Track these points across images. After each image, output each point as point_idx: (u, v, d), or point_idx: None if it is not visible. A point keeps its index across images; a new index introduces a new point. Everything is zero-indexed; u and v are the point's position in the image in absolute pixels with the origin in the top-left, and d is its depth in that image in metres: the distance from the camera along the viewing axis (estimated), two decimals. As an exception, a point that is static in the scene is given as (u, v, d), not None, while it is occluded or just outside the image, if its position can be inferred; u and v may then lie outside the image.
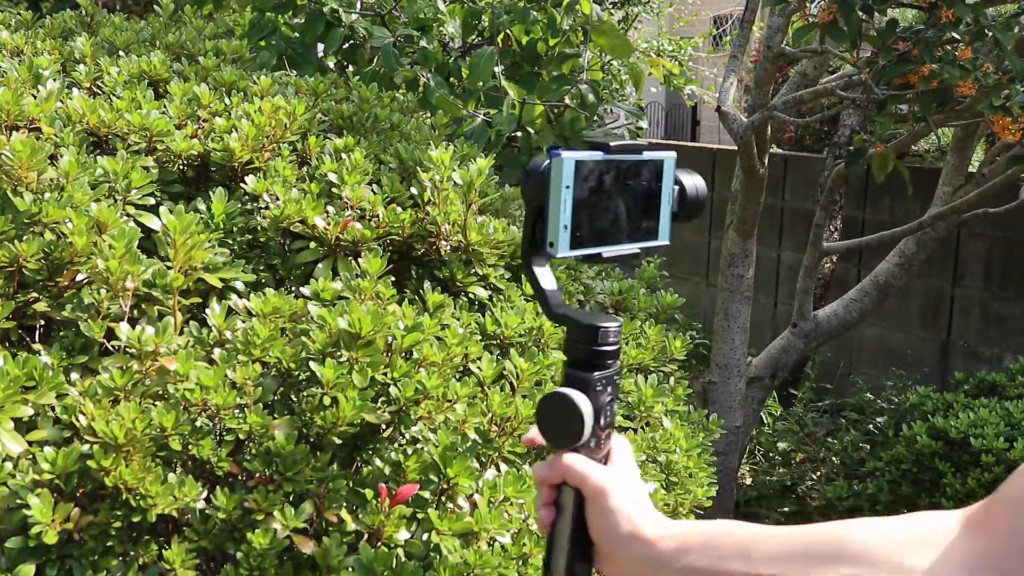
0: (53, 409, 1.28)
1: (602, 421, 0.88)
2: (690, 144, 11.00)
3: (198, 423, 1.29)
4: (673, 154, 0.94)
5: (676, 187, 0.95)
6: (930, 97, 2.83)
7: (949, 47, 2.87)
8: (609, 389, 0.89)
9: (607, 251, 0.89)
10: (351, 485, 1.36)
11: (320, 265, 1.63)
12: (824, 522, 0.80)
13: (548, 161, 0.85)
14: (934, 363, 5.62)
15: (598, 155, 0.87)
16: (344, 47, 3.33)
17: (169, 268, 1.43)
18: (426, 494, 1.38)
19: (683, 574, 0.82)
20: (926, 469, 3.51)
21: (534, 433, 0.91)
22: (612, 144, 0.88)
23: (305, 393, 1.36)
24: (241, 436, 1.29)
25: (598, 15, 3.33)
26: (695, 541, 0.83)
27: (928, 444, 3.51)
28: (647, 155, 0.91)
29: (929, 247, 4.25)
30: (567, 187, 0.84)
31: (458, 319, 1.60)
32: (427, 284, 1.65)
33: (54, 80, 1.79)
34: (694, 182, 0.96)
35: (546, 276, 0.91)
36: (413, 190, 1.78)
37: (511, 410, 1.48)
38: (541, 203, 0.86)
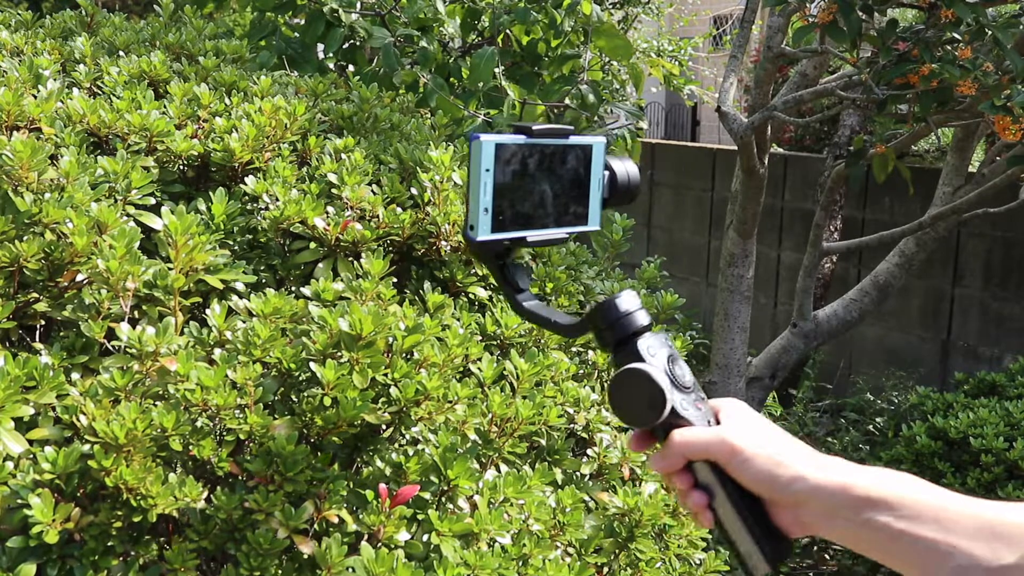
0: (54, 409, 1.28)
1: (675, 379, 0.84)
2: (690, 144, 11.01)
3: (199, 423, 1.29)
4: (603, 139, 0.93)
5: (606, 172, 0.93)
6: (930, 97, 2.83)
7: (949, 47, 2.87)
8: (662, 350, 0.85)
9: (532, 235, 0.89)
10: (351, 486, 1.36)
11: (320, 266, 1.63)
12: (1012, 501, 0.76)
13: (470, 142, 0.85)
14: (934, 363, 5.62)
15: (520, 138, 0.86)
16: (344, 47, 3.33)
17: (170, 269, 1.43)
18: (426, 495, 1.38)
19: (864, 528, 0.77)
20: (926, 469, 3.51)
21: (634, 436, 0.85)
22: (535, 128, 0.87)
23: (306, 394, 1.36)
24: (242, 436, 1.30)
25: (599, 16, 3.33)
26: (882, 495, 0.77)
27: (928, 444, 3.51)
28: (574, 139, 0.90)
29: (929, 247, 4.25)
30: (487, 170, 0.84)
31: (458, 320, 1.60)
32: (427, 284, 1.65)
33: (54, 80, 1.79)
34: (625, 167, 0.95)
35: (538, 306, 0.90)
36: (413, 190, 1.78)
37: (511, 411, 1.48)
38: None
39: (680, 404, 0.84)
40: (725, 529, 0.83)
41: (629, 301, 0.87)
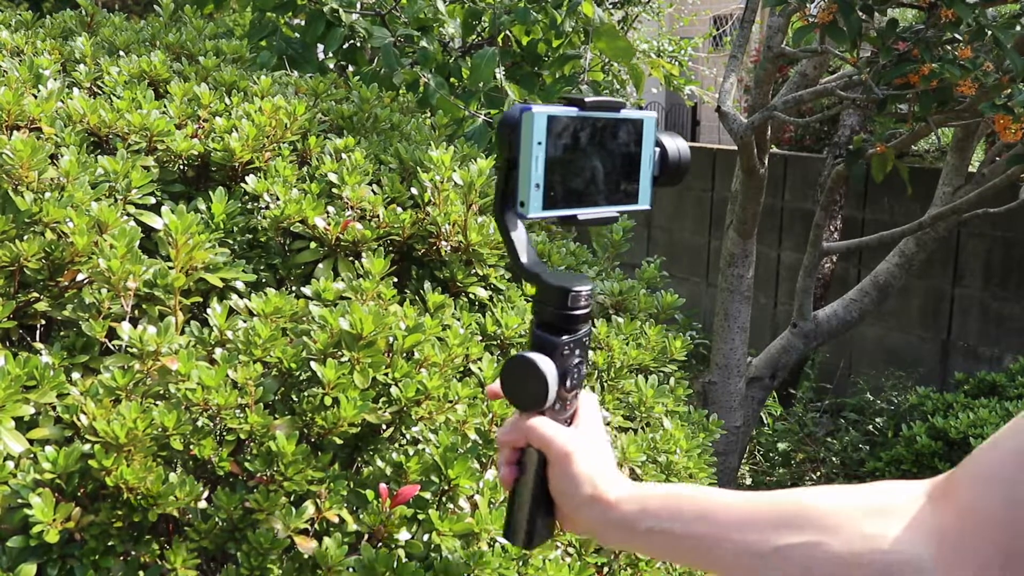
0: (54, 408, 1.28)
1: (568, 384, 0.86)
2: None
3: (199, 423, 1.29)
4: (654, 114, 0.89)
5: (657, 149, 0.90)
6: (930, 97, 2.83)
7: (949, 47, 2.87)
8: (577, 352, 0.87)
9: (583, 213, 0.85)
10: (352, 485, 1.36)
11: (320, 265, 1.63)
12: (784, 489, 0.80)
13: (520, 114, 0.80)
14: (934, 363, 5.62)
15: (572, 111, 0.82)
16: (344, 47, 3.33)
17: (170, 268, 1.43)
18: (427, 495, 1.38)
19: (646, 536, 0.83)
20: (926, 469, 3.51)
21: (497, 387, 0.90)
22: (588, 100, 0.83)
23: (306, 393, 1.36)
24: (242, 436, 1.30)
25: (600, 17, 3.33)
26: (657, 504, 0.83)
27: (928, 444, 3.51)
28: (625, 113, 0.86)
29: (929, 247, 4.25)
30: (539, 143, 0.80)
31: (459, 319, 1.60)
32: (427, 284, 1.65)
33: (54, 80, 1.79)
34: (676, 145, 0.92)
35: (518, 229, 0.87)
36: (413, 190, 1.78)
37: (511, 411, 1.48)
38: (512, 156, 0.81)
39: (552, 399, 0.86)
40: (514, 501, 0.89)
41: (587, 297, 0.86)
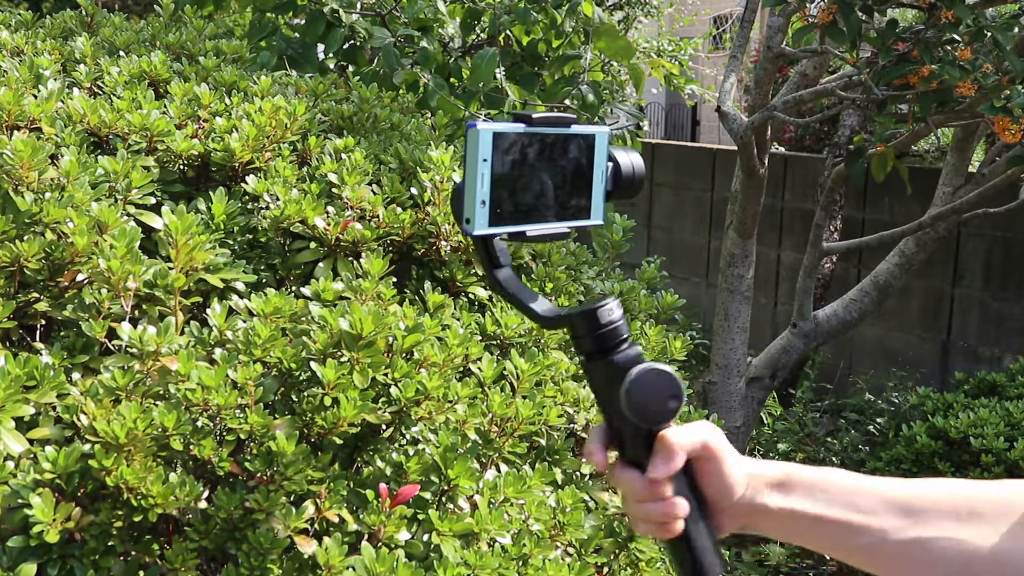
0: (54, 408, 1.28)
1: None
2: (690, 144, 11.01)
3: (199, 423, 1.29)
4: (606, 129, 0.89)
5: (610, 164, 0.89)
6: (930, 97, 2.83)
7: (949, 48, 2.87)
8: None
9: (532, 229, 0.84)
10: (352, 485, 1.36)
11: (320, 265, 1.63)
12: (925, 478, 0.81)
13: (467, 130, 0.80)
14: (934, 363, 5.62)
15: (520, 127, 0.82)
16: (344, 47, 3.32)
17: (170, 268, 1.43)
18: (427, 495, 1.38)
19: (787, 514, 0.82)
20: (926, 469, 3.51)
21: (594, 448, 0.84)
22: (535, 116, 0.83)
23: (306, 393, 1.36)
24: (242, 436, 1.30)
25: (600, 17, 3.34)
26: (802, 480, 0.82)
27: (928, 444, 3.51)
28: (576, 129, 0.86)
29: (929, 247, 4.25)
30: (484, 160, 0.79)
31: (458, 319, 1.60)
32: (427, 284, 1.65)
33: (55, 80, 1.79)
34: (630, 159, 0.91)
35: (507, 276, 0.86)
36: (413, 190, 1.78)
37: (511, 411, 1.48)
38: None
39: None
40: (689, 535, 0.83)
41: (613, 312, 0.84)
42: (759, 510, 0.84)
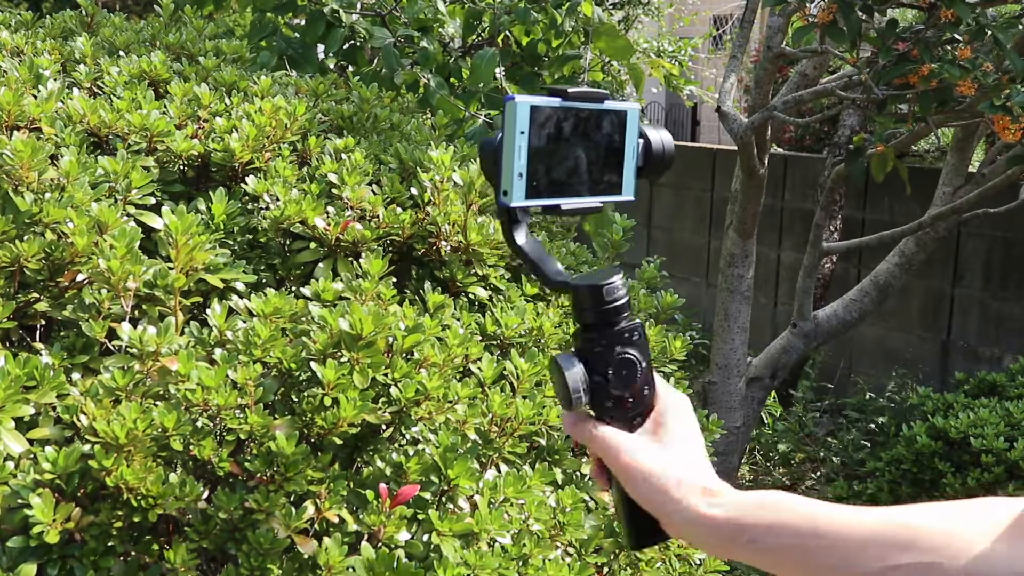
0: (54, 409, 1.28)
1: (615, 381, 0.85)
2: (690, 144, 11.01)
3: (199, 423, 1.29)
4: (637, 105, 0.89)
5: (641, 141, 0.90)
6: (930, 97, 2.83)
7: (949, 47, 2.87)
8: (622, 348, 0.85)
9: (566, 203, 0.85)
10: (352, 486, 1.36)
11: (320, 265, 1.63)
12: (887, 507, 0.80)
13: (504, 103, 0.81)
14: (934, 363, 5.62)
15: (555, 101, 0.83)
16: (344, 47, 3.33)
17: (171, 268, 1.43)
18: (427, 495, 1.38)
19: (746, 550, 0.80)
20: (926, 469, 3.51)
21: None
22: (571, 90, 0.84)
23: (306, 393, 1.36)
24: (242, 436, 1.30)
25: (599, 17, 3.34)
26: (756, 519, 0.80)
27: (928, 444, 3.51)
28: (609, 104, 0.87)
29: (929, 247, 4.25)
30: (521, 133, 0.80)
31: (458, 320, 1.60)
32: (427, 284, 1.65)
33: (54, 80, 1.79)
34: (660, 137, 0.92)
35: (525, 239, 0.87)
36: (413, 190, 1.78)
37: (511, 411, 1.48)
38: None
39: (578, 399, 0.85)
40: (618, 501, 0.88)
41: (618, 289, 0.85)
42: (715, 550, 0.85)
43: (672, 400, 0.88)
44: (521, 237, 0.87)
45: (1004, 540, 0.72)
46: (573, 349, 0.86)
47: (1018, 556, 0.71)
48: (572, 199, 0.86)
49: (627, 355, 0.86)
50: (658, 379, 0.89)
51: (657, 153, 0.91)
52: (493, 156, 0.83)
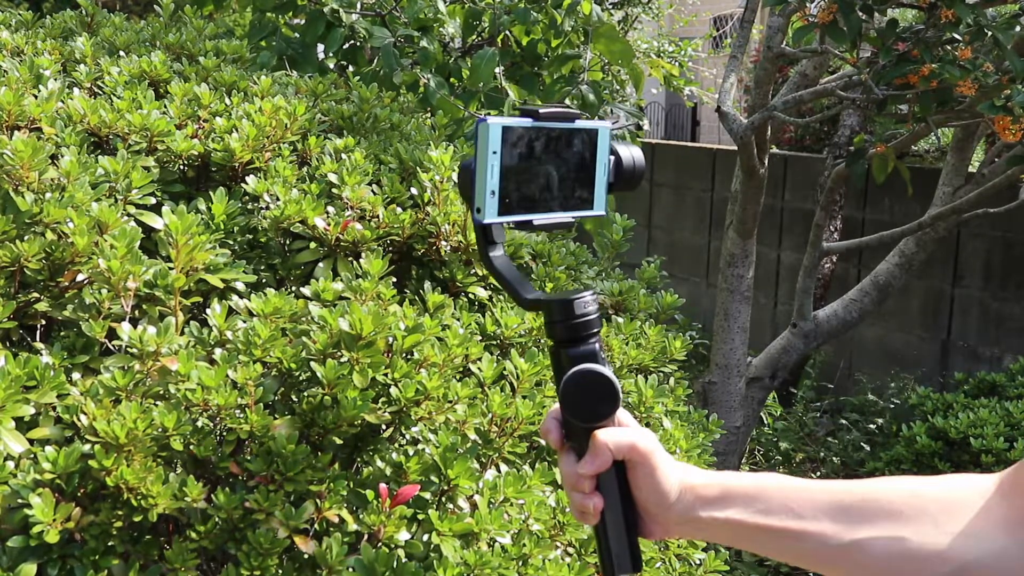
0: (54, 409, 1.28)
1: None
2: (690, 144, 11.01)
3: (199, 423, 1.29)
4: (608, 124, 0.94)
5: (612, 157, 0.94)
6: (930, 97, 2.83)
7: (949, 47, 2.87)
8: (602, 354, 0.90)
9: (538, 219, 0.89)
10: (352, 485, 1.36)
11: (320, 265, 1.63)
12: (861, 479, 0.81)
13: (477, 125, 0.85)
14: (934, 363, 5.62)
15: (527, 121, 0.87)
16: (344, 47, 3.32)
17: (171, 268, 1.43)
18: (426, 495, 1.38)
19: (726, 526, 0.83)
20: (926, 469, 3.51)
21: (551, 425, 0.89)
22: (542, 111, 0.88)
23: (306, 393, 1.36)
24: (242, 436, 1.30)
25: (599, 16, 3.33)
26: (739, 492, 0.83)
27: (928, 444, 3.51)
28: (580, 124, 0.91)
29: (929, 247, 4.25)
30: (494, 152, 0.84)
31: (458, 319, 1.60)
32: (427, 284, 1.65)
33: (55, 80, 1.79)
34: (631, 153, 0.95)
35: (501, 258, 0.91)
36: (413, 190, 1.78)
37: (511, 411, 1.48)
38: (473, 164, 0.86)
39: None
40: (606, 531, 0.88)
41: (588, 305, 0.88)
42: (694, 522, 0.85)
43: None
44: (497, 257, 0.90)
45: (965, 514, 0.73)
46: (568, 367, 0.88)
47: (980, 534, 0.72)
48: (544, 215, 0.89)
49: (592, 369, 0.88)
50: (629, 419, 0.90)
51: (628, 169, 0.95)
52: (469, 176, 0.86)
